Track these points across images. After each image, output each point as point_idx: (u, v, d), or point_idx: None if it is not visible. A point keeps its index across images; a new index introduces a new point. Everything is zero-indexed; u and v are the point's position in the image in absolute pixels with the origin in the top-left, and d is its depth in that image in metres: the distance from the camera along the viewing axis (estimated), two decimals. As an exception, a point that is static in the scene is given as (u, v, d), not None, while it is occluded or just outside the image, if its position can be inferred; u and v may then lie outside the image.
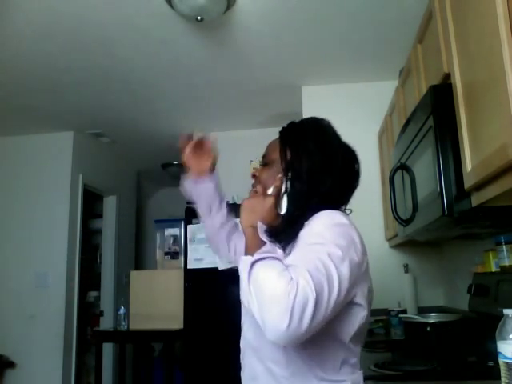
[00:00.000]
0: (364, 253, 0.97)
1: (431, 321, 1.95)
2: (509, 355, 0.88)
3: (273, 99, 3.36)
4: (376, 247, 2.75)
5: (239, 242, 1.27)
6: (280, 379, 0.97)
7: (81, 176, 3.91)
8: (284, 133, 1.15)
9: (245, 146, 3.70)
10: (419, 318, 2.09)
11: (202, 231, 3.28)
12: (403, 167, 1.76)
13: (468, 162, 1.16)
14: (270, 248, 0.92)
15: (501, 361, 0.91)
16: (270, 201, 1.05)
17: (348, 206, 1.12)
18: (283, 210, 1.07)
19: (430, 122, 1.36)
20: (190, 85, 3.09)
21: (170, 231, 3.72)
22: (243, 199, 1.08)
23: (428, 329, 1.90)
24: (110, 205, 4.55)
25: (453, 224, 1.50)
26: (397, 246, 2.73)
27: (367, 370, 1.61)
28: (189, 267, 3.26)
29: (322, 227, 0.95)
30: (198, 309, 3.24)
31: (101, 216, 4.59)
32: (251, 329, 1.05)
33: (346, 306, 0.93)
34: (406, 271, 2.79)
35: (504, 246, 1.63)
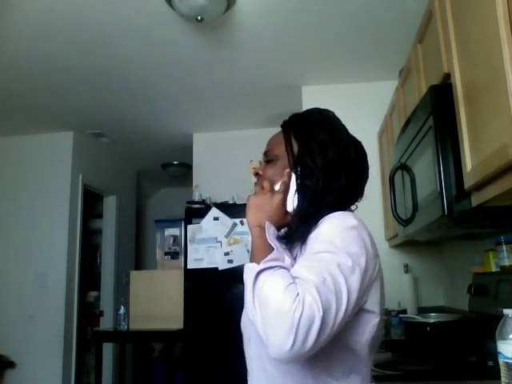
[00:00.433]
0: (376, 255, 0.92)
1: (431, 321, 1.96)
2: (509, 355, 0.88)
3: (273, 99, 3.36)
4: (376, 247, 2.74)
5: None
6: None
7: (81, 176, 3.91)
8: (288, 126, 1.07)
9: (245, 146, 3.71)
10: (419, 318, 2.10)
11: (201, 231, 3.29)
12: (403, 167, 1.76)
13: (468, 162, 1.16)
14: (278, 255, 0.87)
15: (501, 361, 0.91)
16: (278, 198, 0.97)
17: None
18: (290, 208, 0.99)
19: (430, 122, 1.36)
20: (189, 85, 3.09)
21: (170, 231, 3.71)
22: (249, 196, 1.00)
23: (428, 329, 1.90)
24: (109, 205, 4.55)
25: (453, 224, 1.50)
26: (397, 246, 2.73)
27: (367, 370, 1.61)
28: (189, 267, 3.26)
29: (332, 232, 0.89)
30: (198, 309, 3.25)
31: (101, 216, 4.59)
32: (254, 338, 0.98)
33: (355, 313, 0.88)
34: (406, 271, 2.79)
35: (504, 246, 1.63)
